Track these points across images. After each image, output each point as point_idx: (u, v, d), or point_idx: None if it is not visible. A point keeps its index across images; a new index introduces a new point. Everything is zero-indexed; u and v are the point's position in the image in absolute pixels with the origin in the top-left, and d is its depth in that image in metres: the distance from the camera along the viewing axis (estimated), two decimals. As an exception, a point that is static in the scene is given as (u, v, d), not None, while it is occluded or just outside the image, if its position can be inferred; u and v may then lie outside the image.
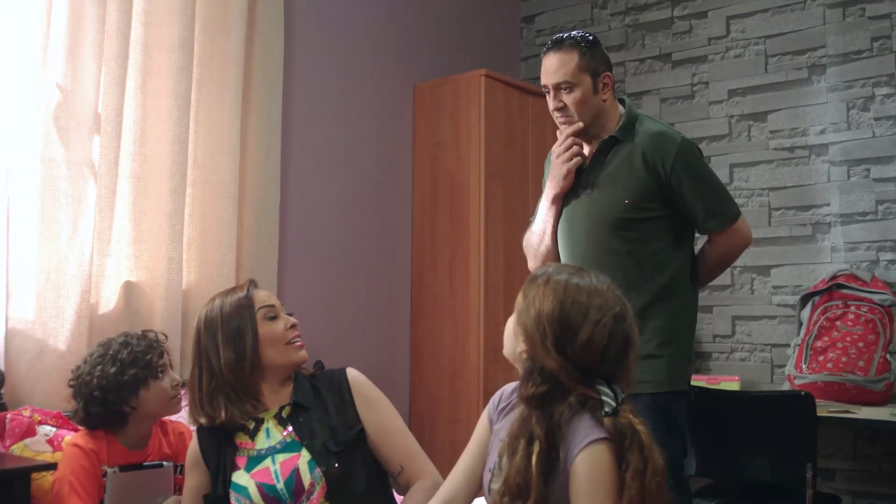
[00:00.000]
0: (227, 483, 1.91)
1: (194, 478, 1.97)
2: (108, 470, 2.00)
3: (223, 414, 1.89)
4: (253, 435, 1.94)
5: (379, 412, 1.97)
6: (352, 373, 2.01)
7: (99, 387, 2.06)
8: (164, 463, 2.10)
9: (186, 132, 2.99)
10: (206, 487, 1.94)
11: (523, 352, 1.67)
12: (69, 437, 2.23)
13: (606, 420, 1.54)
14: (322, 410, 1.93)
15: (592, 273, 1.71)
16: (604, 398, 1.58)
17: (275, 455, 1.90)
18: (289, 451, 1.89)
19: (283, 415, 1.94)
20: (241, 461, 1.93)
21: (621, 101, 2.47)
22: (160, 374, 2.13)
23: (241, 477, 1.91)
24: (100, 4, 2.73)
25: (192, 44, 3.02)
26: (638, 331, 2.29)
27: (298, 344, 1.99)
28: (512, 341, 1.74)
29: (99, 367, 2.08)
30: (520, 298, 1.71)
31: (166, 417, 2.25)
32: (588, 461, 1.53)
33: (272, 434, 1.92)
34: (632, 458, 1.52)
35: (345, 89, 3.75)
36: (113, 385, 2.06)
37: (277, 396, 1.97)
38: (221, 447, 1.95)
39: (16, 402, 2.51)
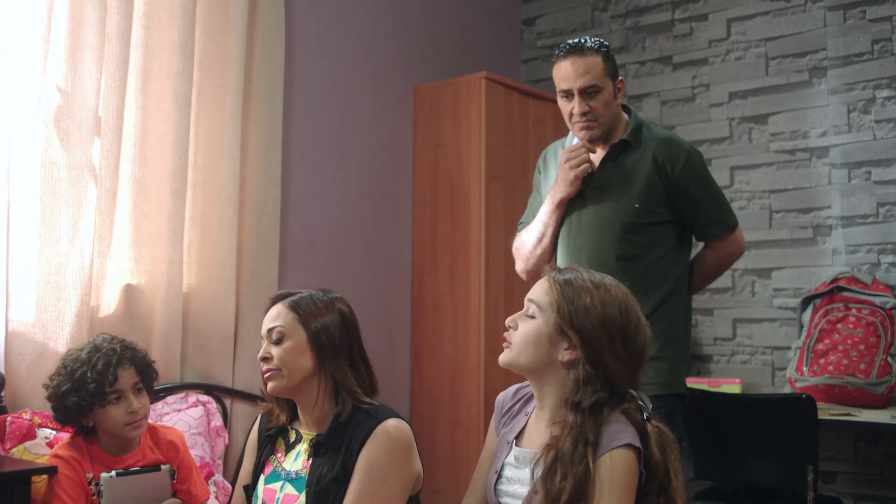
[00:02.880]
0: (257, 480, 1.94)
1: (251, 461, 1.99)
2: (104, 475, 1.99)
3: (283, 417, 1.97)
4: (288, 449, 1.93)
5: (365, 480, 1.79)
6: (379, 430, 1.82)
7: (51, 398, 2.05)
8: (162, 466, 2.07)
9: (187, 135, 2.99)
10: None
11: (573, 360, 1.65)
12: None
13: (648, 425, 1.60)
14: (336, 458, 1.83)
15: (608, 276, 1.74)
16: (641, 403, 1.63)
17: (286, 482, 1.88)
18: (295, 486, 1.86)
19: (313, 445, 1.89)
20: (268, 469, 1.93)
21: (624, 107, 2.51)
22: (113, 402, 2.03)
23: (260, 484, 1.93)
24: (100, 7, 2.73)
25: (192, 47, 3.02)
26: None
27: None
28: (542, 348, 1.68)
29: (56, 381, 2.04)
30: (558, 303, 1.67)
31: (158, 424, 2.25)
32: (612, 463, 1.55)
33: (299, 459, 1.90)
34: (667, 461, 1.58)
35: (345, 92, 3.75)
36: (59, 404, 2.03)
37: (312, 420, 1.92)
38: (266, 444, 1.97)
39: (16, 404, 2.51)
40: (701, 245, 2.58)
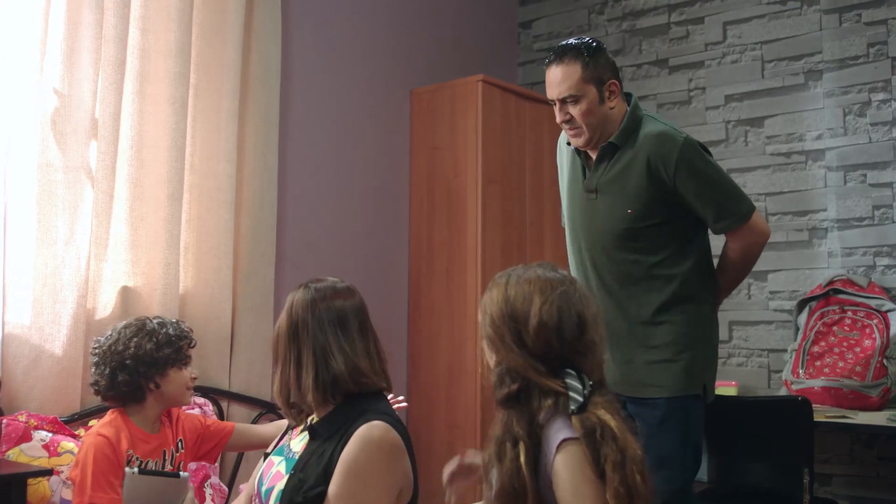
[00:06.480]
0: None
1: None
2: (127, 470, 1.99)
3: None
4: (304, 429, 1.94)
5: (343, 482, 1.75)
6: (360, 432, 1.78)
7: (133, 357, 2.10)
8: (182, 473, 2.07)
9: (183, 137, 2.99)
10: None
11: (495, 363, 1.65)
12: (91, 426, 2.27)
13: (574, 419, 1.54)
14: (327, 449, 1.81)
15: (541, 265, 1.69)
16: (571, 394, 1.57)
17: (284, 460, 1.89)
18: (287, 467, 1.86)
19: (310, 430, 1.89)
20: (282, 441, 1.96)
21: (629, 97, 2.40)
22: (185, 364, 2.20)
23: (271, 454, 1.95)
24: (97, 10, 2.73)
25: (189, 49, 3.02)
26: (648, 336, 2.29)
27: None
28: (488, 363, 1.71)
29: (135, 340, 2.13)
30: (478, 314, 1.71)
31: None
32: (564, 463, 1.52)
33: (302, 441, 1.90)
34: (607, 451, 1.50)
35: (342, 94, 3.76)
36: (147, 358, 2.11)
37: (320, 408, 1.91)
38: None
39: (12, 407, 2.51)
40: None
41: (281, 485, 1.81)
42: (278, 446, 1.96)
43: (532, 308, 1.59)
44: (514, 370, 1.60)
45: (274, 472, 1.87)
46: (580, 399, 1.56)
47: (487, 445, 1.62)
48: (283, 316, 1.91)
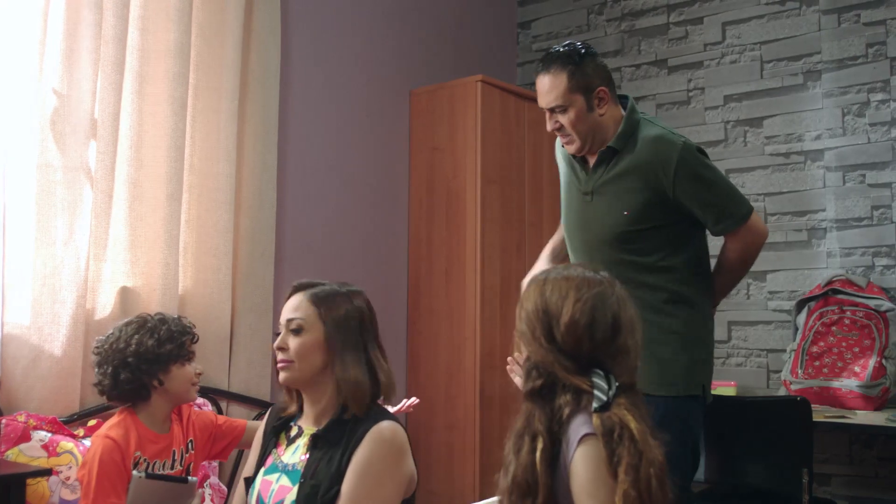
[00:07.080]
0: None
1: (255, 454, 2.01)
2: (134, 473, 1.98)
3: (294, 408, 1.97)
4: (289, 443, 1.93)
5: (358, 482, 1.78)
6: (373, 433, 1.82)
7: (135, 354, 2.10)
8: (190, 478, 2.07)
9: (183, 138, 2.99)
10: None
11: (524, 358, 1.67)
12: (97, 427, 2.27)
13: (595, 417, 1.54)
14: (333, 454, 1.82)
15: (582, 264, 1.71)
16: (596, 392, 1.57)
17: (282, 474, 1.88)
18: (290, 479, 1.86)
19: (312, 439, 1.88)
20: (268, 461, 1.94)
21: (624, 100, 2.39)
22: (188, 359, 2.18)
23: (259, 476, 1.93)
24: (96, 10, 2.73)
25: (188, 49, 3.02)
26: (645, 337, 2.29)
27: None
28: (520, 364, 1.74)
29: (136, 337, 2.12)
30: (517, 311, 1.73)
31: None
32: (582, 459, 1.52)
33: (297, 452, 1.90)
34: (623, 452, 1.50)
35: (341, 95, 3.76)
36: (149, 355, 2.10)
37: (315, 414, 1.91)
38: (271, 437, 1.97)
39: (11, 407, 2.51)
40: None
41: (291, 496, 1.81)
42: (268, 466, 1.93)
43: (566, 305, 1.61)
44: (540, 365, 1.61)
45: (276, 487, 1.86)
46: (604, 398, 1.56)
47: (508, 437, 1.63)
48: (348, 304, 1.94)
